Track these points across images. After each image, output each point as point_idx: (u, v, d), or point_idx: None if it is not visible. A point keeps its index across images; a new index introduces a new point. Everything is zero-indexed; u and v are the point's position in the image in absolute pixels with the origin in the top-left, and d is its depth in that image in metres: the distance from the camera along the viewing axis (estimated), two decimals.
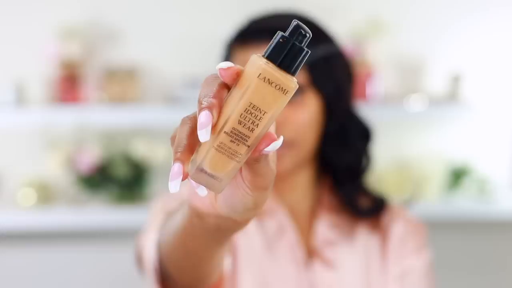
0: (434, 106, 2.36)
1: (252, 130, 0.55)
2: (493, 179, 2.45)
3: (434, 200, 2.37)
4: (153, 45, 2.41)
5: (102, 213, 2.26)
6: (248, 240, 1.16)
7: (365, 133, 1.24)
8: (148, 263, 0.98)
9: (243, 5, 2.28)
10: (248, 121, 0.55)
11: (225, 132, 0.55)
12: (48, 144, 2.28)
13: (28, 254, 2.39)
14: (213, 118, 0.54)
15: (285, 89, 0.55)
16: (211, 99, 0.55)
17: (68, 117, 2.22)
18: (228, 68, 0.55)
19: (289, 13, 1.19)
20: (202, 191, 0.59)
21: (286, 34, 0.55)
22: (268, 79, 0.55)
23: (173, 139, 0.59)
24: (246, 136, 0.55)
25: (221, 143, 0.55)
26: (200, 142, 0.56)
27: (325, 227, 1.20)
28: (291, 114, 1.12)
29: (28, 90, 2.31)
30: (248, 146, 0.56)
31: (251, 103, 0.55)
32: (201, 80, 2.26)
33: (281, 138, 0.56)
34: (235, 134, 0.55)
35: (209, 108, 0.54)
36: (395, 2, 2.48)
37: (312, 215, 1.22)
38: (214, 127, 0.55)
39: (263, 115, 0.55)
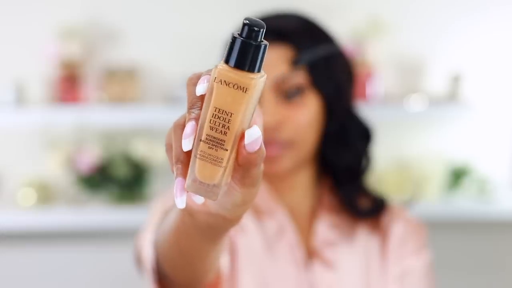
0: (434, 106, 2.36)
1: (225, 133, 0.56)
2: (493, 179, 2.45)
3: (434, 200, 2.37)
4: (153, 45, 2.41)
5: (102, 213, 2.26)
6: (248, 241, 1.16)
7: (365, 133, 1.24)
8: (146, 263, 0.98)
9: (243, 5, 2.28)
10: (219, 125, 0.56)
11: (201, 140, 0.57)
12: (48, 144, 2.28)
13: (28, 254, 2.39)
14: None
15: (243, 87, 0.56)
16: (199, 110, 0.57)
17: (68, 117, 2.22)
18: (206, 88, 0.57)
19: (289, 13, 1.19)
20: (199, 199, 0.60)
21: (237, 33, 0.56)
22: (225, 81, 0.56)
23: (168, 146, 0.60)
24: (221, 140, 0.57)
25: (201, 151, 0.57)
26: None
27: (325, 228, 1.20)
28: (291, 114, 1.12)
29: (28, 90, 2.31)
30: (227, 150, 0.57)
31: (215, 108, 0.56)
32: None
33: (255, 127, 0.57)
34: (210, 140, 0.57)
35: (196, 119, 0.57)
36: (395, 2, 2.48)
37: (312, 215, 1.22)
38: (195, 137, 0.57)
39: (231, 116, 0.56)
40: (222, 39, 1.27)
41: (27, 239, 2.37)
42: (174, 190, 0.58)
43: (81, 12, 2.36)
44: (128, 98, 2.28)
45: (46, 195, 2.30)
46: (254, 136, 0.57)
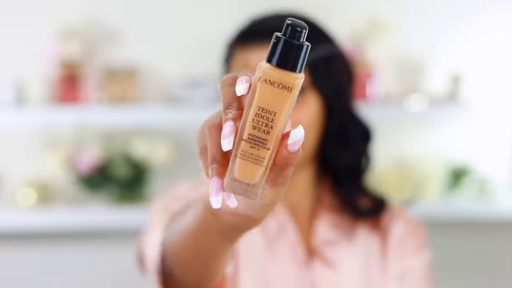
0: (434, 106, 2.36)
1: (268, 132, 0.57)
2: (493, 179, 2.45)
3: (434, 200, 2.37)
4: (153, 45, 2.41)
5: (102, 213, 2.26)
6: (248, 240, 1.16)
7: (365, 133, 1.24)
8: (151, 263, 0.98)
9: (244, 5, 2.28)
10: (262, 125, 0.57)
11: (243, 139, 0.57)
12: (48, 144, 2.28)
13: (28, 254, 2.39)
14: (236, 128, 0.57)
15: (288, 87, 0.56)
16: (235, 110, 0.57)
17: (68, 117, 2.22)
18: (248, 87, 0.57)
19: (290, 13, 1.19)
20: (233, 203, 0.60)
21: (281, 33, 0.57)
22: (270, 80, 0.56)
23: (203, 149, 0.60)
24: (263, 139, 0.57)
25: (243, 150, 0.57)
26: (231, 153, 0.58)
27: (325, 227, 1.20)
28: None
29: (28, 90, 2.31)
30: (269, 149, 0.57)
31: (259, 107, 0.56)
32: (202, 80, 2.26)
33: (300, 127, 0.57)
34: (253, 139, 0.57)
35: (233, 119, 0.57)
36: (395, 2, 2.48)
37: (312, 215, 1.22)
38: (236, 136, 0.57)
39: (274, 116, 0.57)
40: (222, 39, 1.27)
41: (27, 239, 2.37)
42: (210, 190, 0.58)
43: (81, 12, 2.36)
44: (128, 98, 2.28)
45: (46, 195, 2.30)
46: (298, 136, 0.57)
